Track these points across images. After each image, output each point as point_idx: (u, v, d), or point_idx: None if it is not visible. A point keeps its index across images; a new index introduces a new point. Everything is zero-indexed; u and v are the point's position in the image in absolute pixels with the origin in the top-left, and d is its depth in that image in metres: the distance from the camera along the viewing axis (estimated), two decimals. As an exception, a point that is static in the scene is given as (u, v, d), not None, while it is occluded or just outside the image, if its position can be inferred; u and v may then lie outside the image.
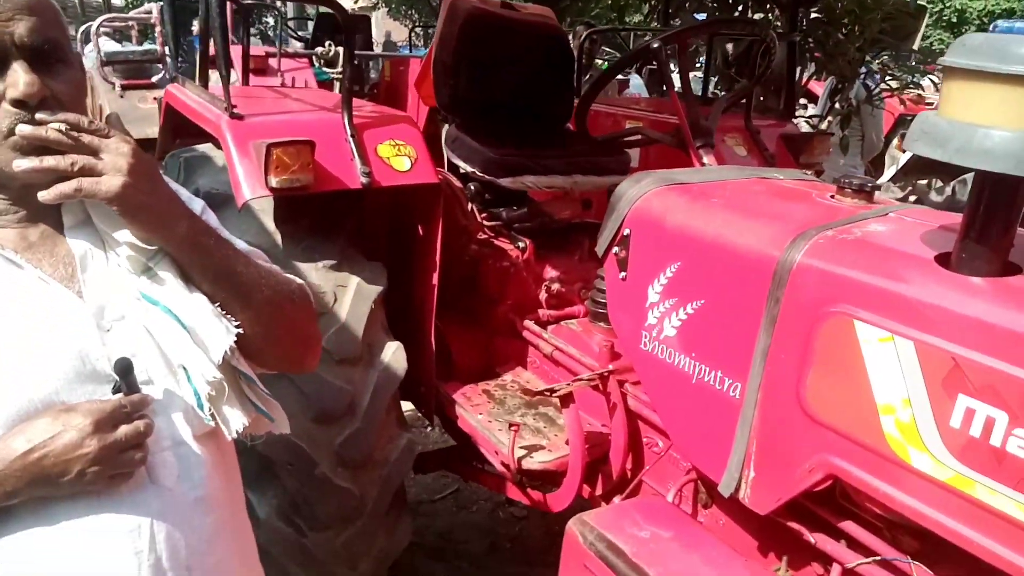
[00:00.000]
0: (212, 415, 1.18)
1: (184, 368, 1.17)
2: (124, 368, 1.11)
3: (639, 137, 2.55)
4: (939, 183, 4.12)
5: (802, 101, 5.87)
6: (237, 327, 1.19)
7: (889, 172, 4.71)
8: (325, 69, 8.03)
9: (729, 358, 1.62)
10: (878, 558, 1.46)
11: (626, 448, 2.07)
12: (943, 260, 1.33)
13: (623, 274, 1.91)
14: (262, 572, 1.40)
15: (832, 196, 1.74)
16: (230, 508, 1.27)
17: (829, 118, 4.95)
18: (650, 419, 2.04)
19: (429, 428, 3.46)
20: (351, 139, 2.12)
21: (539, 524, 3.41)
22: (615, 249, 1.91)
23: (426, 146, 2.24)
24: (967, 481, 1.21)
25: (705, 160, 2.19)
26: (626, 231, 1.88)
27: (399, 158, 2.16)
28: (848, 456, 1.39)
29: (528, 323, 2.55)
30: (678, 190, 1.83)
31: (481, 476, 2.52)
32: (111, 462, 1.06)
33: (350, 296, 2.07)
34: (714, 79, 4.55)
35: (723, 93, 4.28)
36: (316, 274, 2.07)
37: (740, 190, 1.84)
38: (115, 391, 1.11)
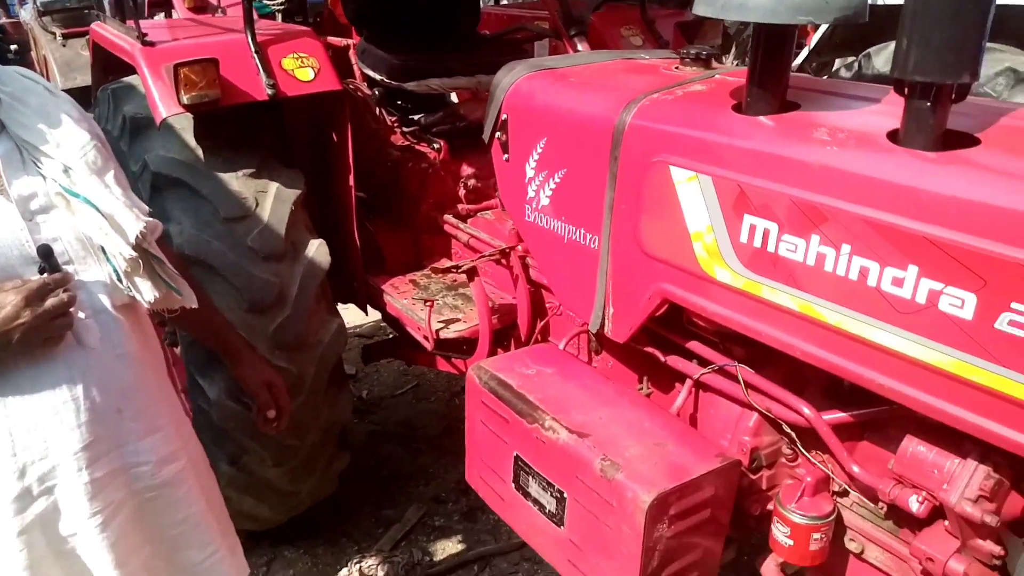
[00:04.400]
0: (128, 287, 1.44)
1: (103, 248, 1.42)
2: (45, 252, 1.36)
3: (521, 33, 2.73)
4: (849, 59, 4.33)
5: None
6: (148, 215, 1.45)
7: (802, 54, 4.92)
8: (265, 1, 8.00)
9: (587, 215, 1.87)
10: (715, 366, 1.76)
11: (530, 312, 2.35)
12: (738, 107, 1.57)
13: (506, 156, 2.14)
14: (188, 421, 1.69)
15: (676, 67, 1.97)
16: (151, 365, 1.55)
17: None
18: (546, 284, 2.31)
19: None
20: (255, 55, 2.31)
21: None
22: (498, 134, 2.14)
23: (328, 57, 2.43)
24: (755, 285, 1.49)
25: (579, 47, 2.40)
26: (504, 116, 2.10)
27: (303, 69, 2.36)
28: (674, 281, 1.66)
29: (448, 217, 2.79)
30: (545, 75, 2.05)
31: (417, 356, 2.80)
32: (44, 329, 1.33)
33: (271, 200, 2.30)
34: None
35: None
36: (236, 182, 2.29)
37: (599, 70, 2.06)
38: (40, 272, 1.36)
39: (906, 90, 1.27)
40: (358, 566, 2.70)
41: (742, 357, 1.72)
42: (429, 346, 2.39)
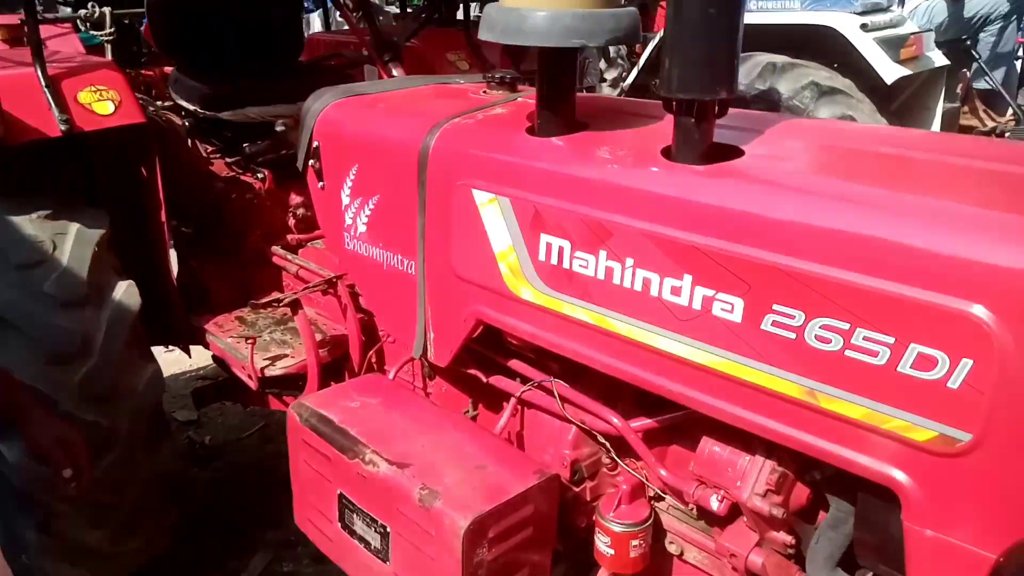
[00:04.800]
0: None
1: None
2: None
3: (337, 60, 2.70)
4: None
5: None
6: None
7: (633, 72, 5.17)
8: (93, 32, 7.57)
9: (402, 241, 1.86)
10: (534, 383, 1.77)
11: (360, 342, 2.29)
12: (531, 130, 1.61)
13: (321, 184, 2.09)
14: None
15: (484, 91, 1.99)
16: None
17: None
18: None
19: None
20: (46, 89, 2.15)
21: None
22: (311, 162, 2.09)
23: (130, 89, 2.30)
24: (556, 302, 1.51)
25: (395, 72, 2.40)
26: (316, 144, 2.06)
27: (102, 103, 2.22)
28: (486, 302, 1.67)
29: (276, 249, 2.69)
30: (354, 101, 2.03)
31: (252, 396, 2.68)
32: None
33: (70, 242, 2.14)
34: None
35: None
36: (31, 225, 2.12)
37: (409, 95, 2.06)
38: None
39: (674, 107, 1.33)
40: (199, 623, 2.53)
41: (558, 372, 1.75)
42: (254, 385, 2.29)
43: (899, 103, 4.72)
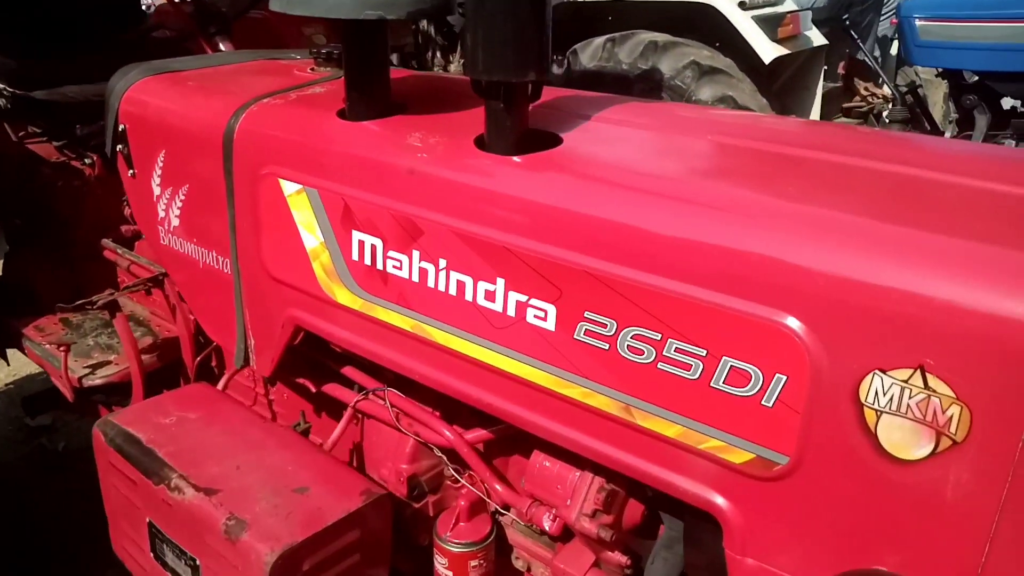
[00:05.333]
0: None
1: None
2: None
3: (159, 32, 2.45)
4: (558, 56, 4.45)
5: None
6: None
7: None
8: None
9: (215, 236, 1.66)
10: (367, 392, 1.61)
11: (193, 346, 2.08)
12: (342, 113, 1.43)
13: (132, 171, 1.86)
14: None
15: (312, 68, 1.80)
16: None
17: None
18: (208, 313, 2.06)
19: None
20: None
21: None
22: (119, 147, 1.86)
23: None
24: (371, 306, 1.35)
25: (221, 46, 2.17)
26: (122, 127, 1.82)
27: None
28: (302, 306, 1.49)
29: (106, 242, 2.43)
30: (164, 78, 1.80)
31: (83, 405, 2.43)
32: None
33: None
34: None
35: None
36: None
37: (226, 72, 1.84)
38: None
39: (483, 87, 1.18)
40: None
41: (393, 380, 1.59)
42: (70, 396, 2.05)
43: (780, 83, 4.73)
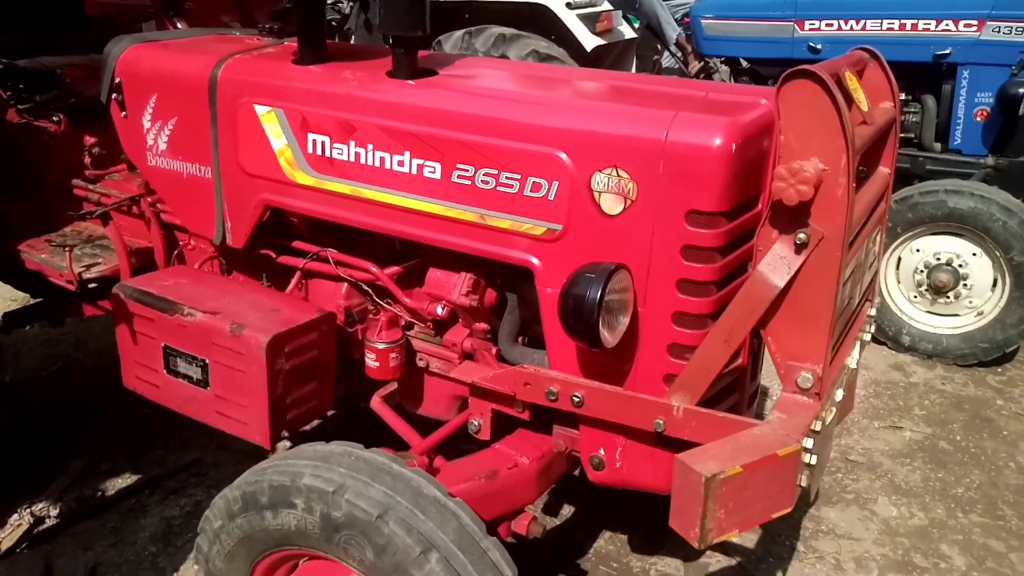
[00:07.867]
0: None
1: None
2: None
3: (123, 14, 3.12)
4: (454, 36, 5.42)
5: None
6: None
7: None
8: None
9: (199, 152, 2.39)
10: (313, 254, 2.40)
11: (164, 252, 2.78)
12: (296, 60, 2.22)
13: (124, 113, 2.56)
14: None
15: (257, 39, 2.56)
16: None
17: None
18: (178, 223, 2.77)
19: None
20: None
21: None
22: (114, 96, 2.55)
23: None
24: (323, 182, 2.15)
25: (179, 25, 2.89)
26: (118, 80, 2.52)
27: None
28: (271, 191, 2.27)
29: (77, 181, 3.05)
30: (151, 45, 2.52)
31: (64, 310, 3.04)
32: None
33: None
34: None
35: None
36: None
37: (196, 41, 2.59)
38: None
39: (391, 40, 2.02)
40: (28, 511, 2.89)
41: (331, 244, 2.39)
42: (74, 288, 2.70)
43: (602, 68, 5.92)
